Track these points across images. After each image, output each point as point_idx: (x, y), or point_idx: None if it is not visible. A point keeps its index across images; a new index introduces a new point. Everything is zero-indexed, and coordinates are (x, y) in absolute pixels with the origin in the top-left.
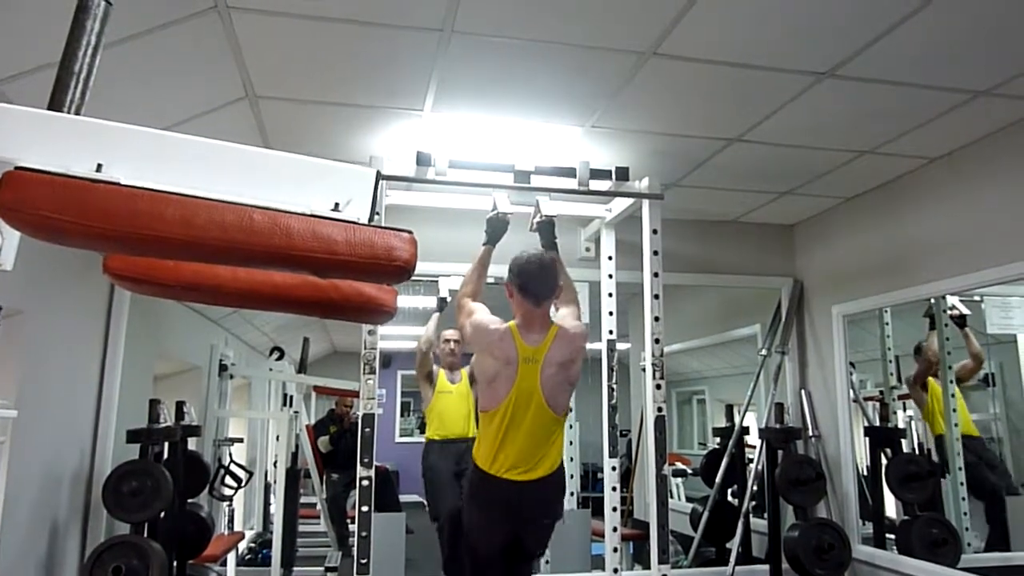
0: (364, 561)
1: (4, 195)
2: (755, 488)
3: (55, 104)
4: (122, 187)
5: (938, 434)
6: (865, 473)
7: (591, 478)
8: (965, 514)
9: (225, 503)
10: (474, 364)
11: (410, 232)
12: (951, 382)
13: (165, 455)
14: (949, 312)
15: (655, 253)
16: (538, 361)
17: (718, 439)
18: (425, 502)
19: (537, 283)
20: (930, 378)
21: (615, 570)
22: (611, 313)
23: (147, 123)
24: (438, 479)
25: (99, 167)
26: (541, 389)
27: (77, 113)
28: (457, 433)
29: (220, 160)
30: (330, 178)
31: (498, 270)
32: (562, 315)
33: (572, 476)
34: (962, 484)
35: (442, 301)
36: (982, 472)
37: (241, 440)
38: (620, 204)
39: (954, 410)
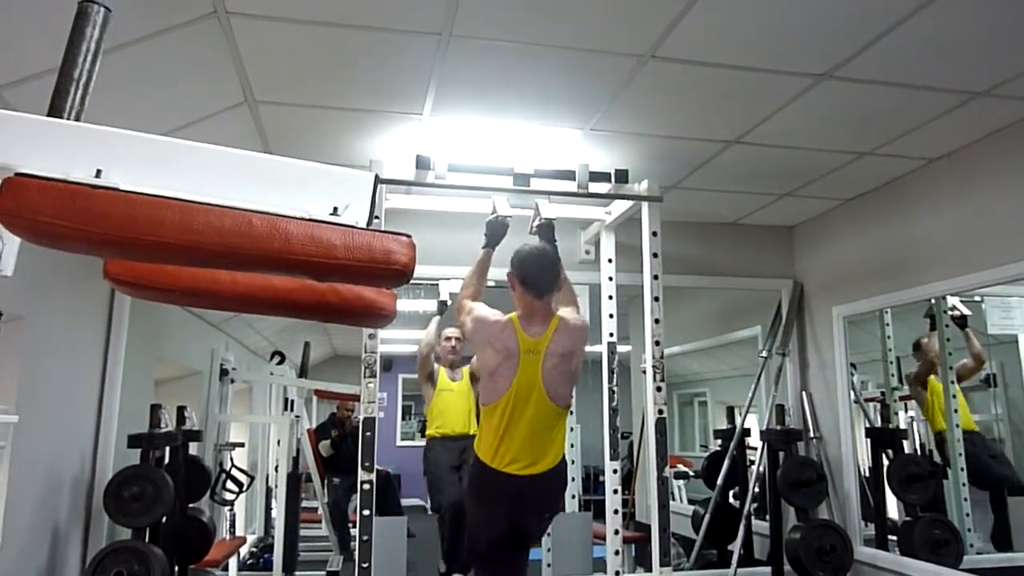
0: (366, 565)
1: (4, 201)
2: (756, 490)
3: (55, 110)
4: (121, 192)
5: (938, 431)
6: (867, 474)
7: (592, 481)
8: (967, 515)
9: (226, 508)
10: (475, 359)
11: (408, 236)
12: (952, 383)
13: (166, 460)
14: (950, 313)
15: (655, 255)
16: (540, 353)
17: (719, 441)
18: (428, 497)
19: (540, 275)
20: (930, 376)
21: (617, 573)
22: (611, 316)
23: (147, 128)
24: (439, 472)
25: (98, 173)
26: (542, 381)
27: (77, 119)
28: (458, 431)
29: (219, 165)
30: (328, 182)
31: (498, 273)
32: (562, 313)
33: (573, 479)
34: (964, 484)
35: (442, 304)
36: (984, 463)
37: (242, 445)
38: (620, 207)
39: (955, 411)
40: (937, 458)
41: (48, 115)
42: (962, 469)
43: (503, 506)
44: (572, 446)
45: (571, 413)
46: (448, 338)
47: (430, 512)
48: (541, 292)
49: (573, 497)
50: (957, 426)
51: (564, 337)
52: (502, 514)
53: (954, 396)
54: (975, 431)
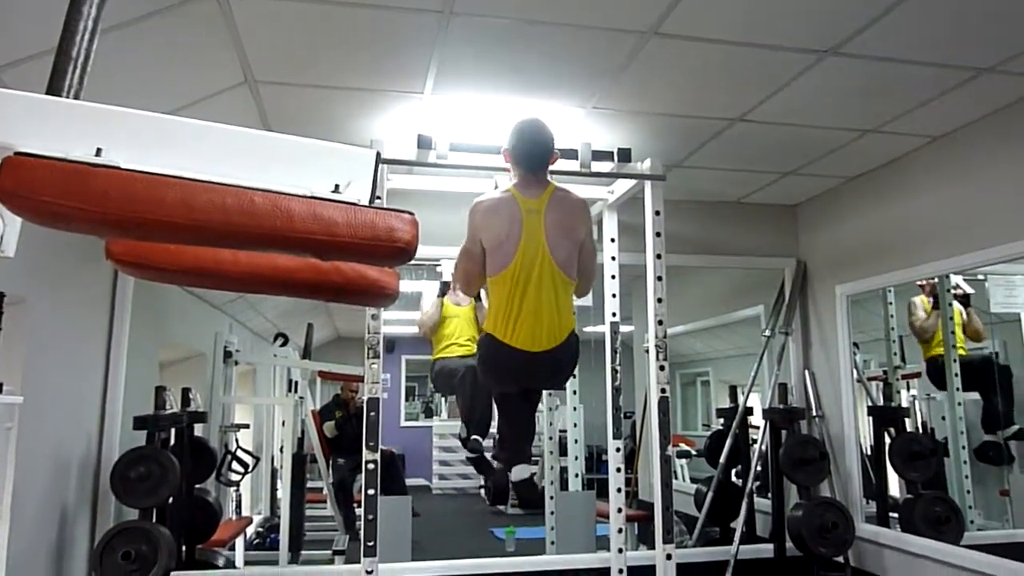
0: (371, 544)
1: (4, 181)
2: (759, 468)
3: (53, 89)
4: (122, 171)
5: (933, 355)
6: (868, 452)
7: (596, 460)
8: (968, 492)
9: (232, 488)
10: (481, 240)
11: (411, 213)
12: (953, 348)
13: (172, 441)
14: (953, 291)
15: (658, 235)
16: (540, 212)
17: (722, 420)
18: (440, 385)
19: (531, 148)
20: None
21: (620, 550)
22: (614, 295)
23: (147, 109)
24: (449, 366)
25: (99, 151)
26: (547, 241)
27: (76, 98)
28: (463, 353)
29: (220, 143)
30: (330, 160)
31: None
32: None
33: (577, 458)
34: (965, 463)
35: (444, 285)
36: (970, 356)
37: (247, 426)
38: (622, 186)
39: (953, 345)
40: (931, 387)
41: (47, 94)
42: (964, 459)
43: (515, 376)
44: (575, 425)
45: (574, 377)
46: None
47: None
48: (532, 167)
49: (576, 476)
50: (955, 360)
51: (561, 203)
52: (514, 381)
53: (952, 332)
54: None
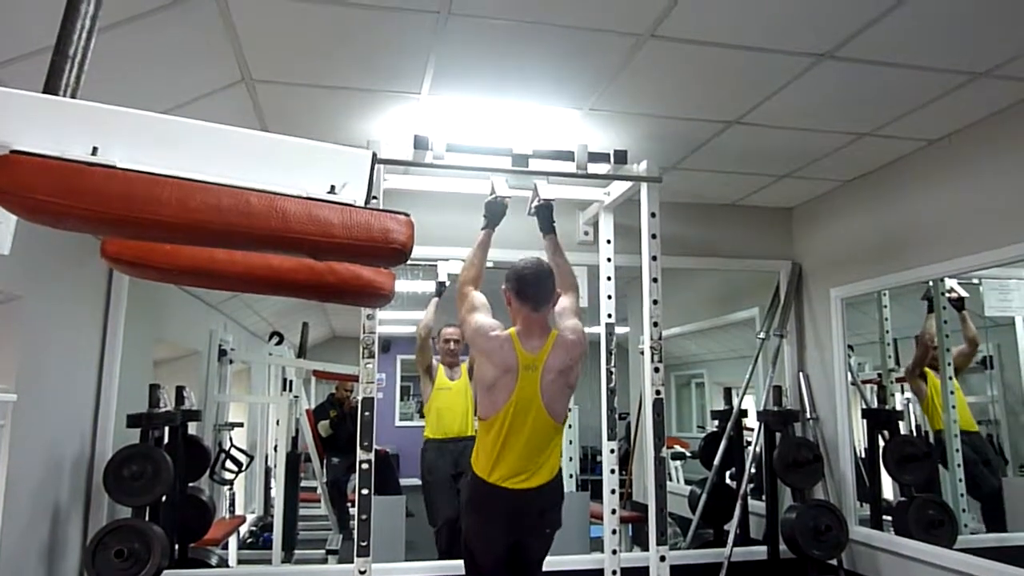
0: (364, 543)
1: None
2: (753, 470)
3: (50, 87)
4: (118, 170)
5: (937, 429)
6: (862, 455)
7: (590, 461)
8: (962, 495)
9: (226, 487)
10: (473, 368)
11: (407, 214)
12: (949, 364)
13: (166, 440)
14: (947, 295)
15: (653, 236)
16: (538, 368)
17: (716, 422)
18: (424, 505)
19: (535, 290)
20: (929, 371)
21: (614, 552)
22: (610, 297)
23: (143, 107)
24: (436, 482)
25: (95, 150)
26: (541, 396)
27: (72, 96)
28: (455, 432)
29: (216, 143)
30: (326, 160)
31: (497, 254)
32: (561, 307)
33: (571, 459)
34: (960, 480)
35: (441, 286)
36: (980, 472)
37: (241, 425)
38: (618, 187)
39: (953, 407)
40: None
41: (44, 92)
42: (959, 466)
43: (501, 521)
44: (570, 426)
45: (569, 413)
46: (447, 340)
47: (429, 525)
48: (537, 306)
49: (571, 477)
50: (955, 422)
51: (562, 352)
52: (500, 530)
53: (952, 393)
54: (974, 431)
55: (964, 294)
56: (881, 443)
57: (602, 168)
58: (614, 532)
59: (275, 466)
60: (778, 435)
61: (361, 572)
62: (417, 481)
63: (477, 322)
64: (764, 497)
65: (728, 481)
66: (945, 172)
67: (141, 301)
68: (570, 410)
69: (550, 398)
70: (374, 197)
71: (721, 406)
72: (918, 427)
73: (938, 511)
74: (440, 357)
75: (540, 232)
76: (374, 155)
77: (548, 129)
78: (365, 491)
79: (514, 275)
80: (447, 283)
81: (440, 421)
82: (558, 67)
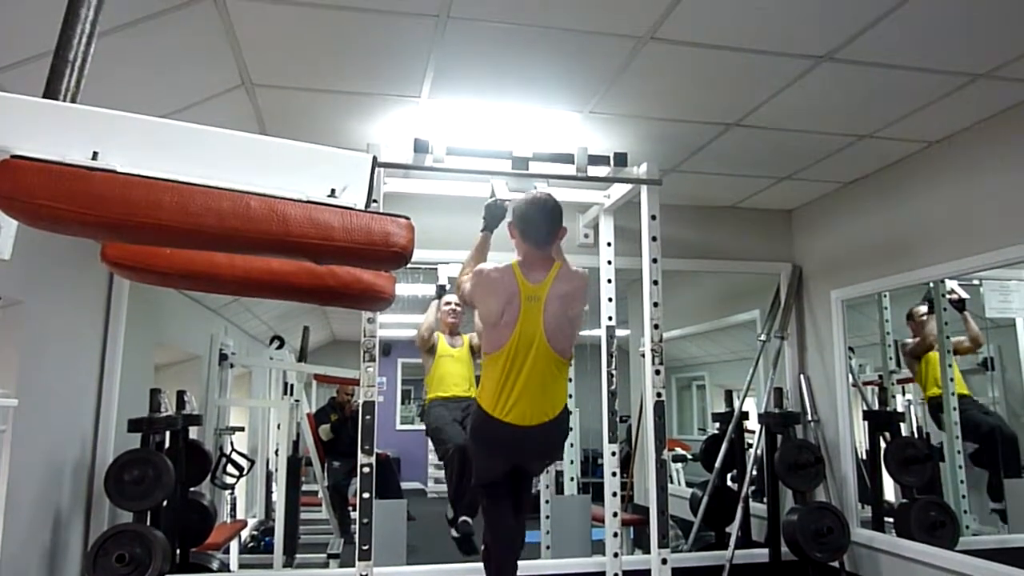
0: (366, 547)
1: (0, 184)
2: (754, 473)
3: (50, 92)
4: (118, 175)
5: (930, 396)
6: (864, 457)
7: (591, 464)
8: (963, 496)
9: (227, 491)
10: (477, 316)
11: (407, 218)
12: (950, 365)
13: (167, 444)
14: (948, 296)
15: (654, 239)
16: (540, 299)
17: (717, 424)
18: (433, 444)
19: (539, 225)
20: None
21: (615, 555)
22: (610, 299)
23: (143, 112)
24: (443, 423)
25: (95, 155)
26: (544, 328)
27: (73, 101)
28: (459, 394)
29: (216, 147)
30: (326, 164)
31: (495, 257)
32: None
33: (572, 462)
34: (960, 467)
35: (441, 288)
36: (976, 418)
37: (242, 429)
38: (619, 190)
39: (951, 379)
40: (930, 424)
41: (44, 97)
42: (957, 437)
43: (504, 452)
44: (571, 429)
45: (572, 359)
46: (448, 303)
47: (437, 461)
48: (539, 243)
49: (572, 480)
50: (953, 394)
51: (564, 284)
52: (503, 459)
53: (950, 365)
54: (967, 394)
55: (965, 295)
56: (882, 445)
57: (602, 171)
58: (615, 535)
59: (276, 470)
60: (779, 437)
61: None
62: (419, 485)
63: (477, 268)
64: (765, 499)
65: (729, 483)
66: (945, 174)
67: (142, 306)
68: (573, 356)
69: (553, 330)
70: (374, 201)
71: (722, 408)
72: (919, 428)
73: (940, 512)
74: (441, 327)
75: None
76: (374, 159)
77: (548, 132)
78: (366, 495)
79: (519, 211)
80: (447, 286)
81: (443, 384)
82: (558, 70)
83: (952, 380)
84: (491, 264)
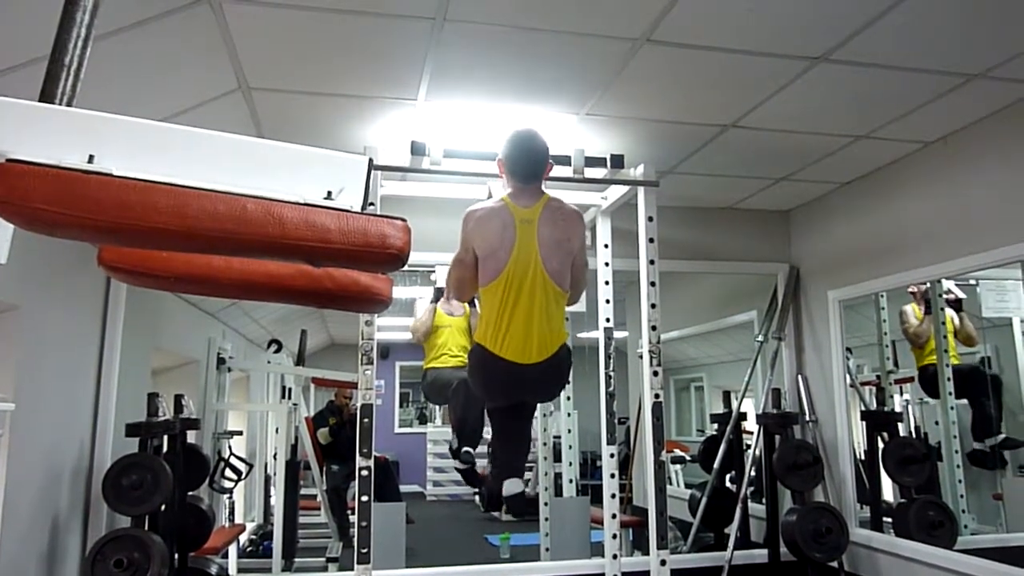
0: (365, 551)
1: None
2: (753, 473)
3: (46, 96)
4: (114, 178)
5: (923, 365)
6: (862, 457)
7: (590, 466)
8: (962, 496)
9: (225, 496)
10: (474, 248)
11: (404, 220)
12: (945, 352)
13: (164, 448)
14: (945, 296)
15: (651, 240)
16: (533, 222)
17: (716, 425)
18: (432, 395)
19: (527, 159)
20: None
21: (614, 556)
22: (608, 301)
23: (140, 116)
24: (441, 380)
25: (91, 158)
26: (539, 251)
27: (68, 105)
28: (455, 364)
29: (212, 150)
30: (322, 166)
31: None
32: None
33: (571, 464)
34: (958, 467)
35: (438, 291)
36: (966, 370)
37: (240, 433)
38: (616, 192)
39: (945, 350)
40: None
41: (39, 101)
42: (955, 441)
43: (505, 390)
44: (569, 431)
45: (569, 383)
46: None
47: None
48: (526, 179)
49: (571, 482)
50: (948, 365)
51: (556, 212)
52: (502, 394)
53: (945, 336)
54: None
55: (961, 295)
56: (880, 445)
57: (599, 173)
58: (614, 536)
59: (274, 474)
60: (777, 438)
61: None
62: (418, 488)
63: (467, 211)
64: (764, 500)
65: (728, 484)
66: (941, 174)
67: (139, 310)
68: (568, 294)
69: (548, 255)
70: (371, 203)
71: (720, 409)
72: (917, 428)
73: (938, 512)
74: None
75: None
76: (370, 160)
77: (545, 134)
78: (365, 498)
79: (509, 143)
80: (444, 288)
81: (439, 353)
82: (554, 72)
83: (947, 351)
84: (479, 203)
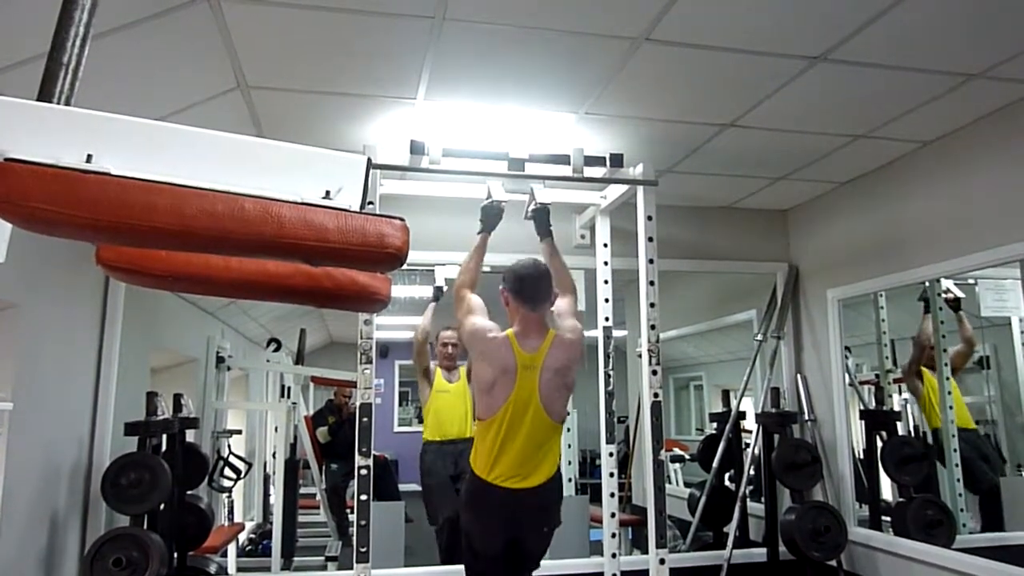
0: (364, 549)
1: None
2: (752, 472)
3: (44, 95)
4: (112, 177)
5: (935, 427)
6: (861, 456)
7: (589, 464)
8: (960, 495)
9: (224, 494)
10: (471, 371)
11: (402, 219)
12: (946, 364)
13: (163, 447)
14: (943, 295)
15: (650, 239)
16: (536, 368)
17: (715, 424)
18: (424, 505)
19: (532, 290)
20: (925, 370)
21: (613, 555)
22: (607, 300)
23: (139, 115)
24: (436, 485)
25: (89, 158)
26: (539, 396)
27: (67, 104)
28: (454, 434)
29: (210, 149)
30: (321, 166)
31: (493, 258)
32: (559, 309)
33: (570, 462)
34: (959, 480)
35: (438, 290)
36: (978, 467)
37: (239, 432)
38: (615, 191)
39: (951, 407)
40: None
41: (38, 100)
42: (957, 465)
43: (499, 520)
44: (569, 430)
45: (567, 415)
46: (445, 343)
47: (429, 525)
48: (535, 306)
49: (570, 480)
50: (952, 422)
51: (560, 351)
52: (498, 528)
53: (949, 392)
54: (971, 428)
55: (960, 294)
56: (879, 444)
57: (598, 172)
58: (613, 535)
59: (274, 473)
60: (776, 437)
61: None
62: (416, 487)
63: (474, 324)
64: (763, 499)
65: (727, 483)
66: (940, 173)
67: (138, 308)
68: (568, 413)
69: (548, 397)
70: (370, 202)
71: (719, 408)
72: (916, 427)
73: (937, 511)
74: (438, 361)
75: (537, 236)
76: (369, 160)
77: (544, 133)
78: (364, 497)
79: (512, 275)
80: (444, 288)
81: (439, 423)
82: (553, 71)
83: (952, 407)
84: (489, 327)
